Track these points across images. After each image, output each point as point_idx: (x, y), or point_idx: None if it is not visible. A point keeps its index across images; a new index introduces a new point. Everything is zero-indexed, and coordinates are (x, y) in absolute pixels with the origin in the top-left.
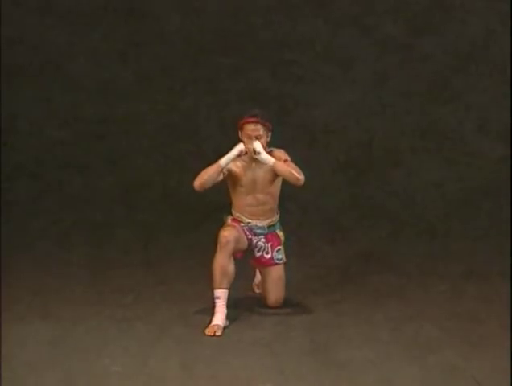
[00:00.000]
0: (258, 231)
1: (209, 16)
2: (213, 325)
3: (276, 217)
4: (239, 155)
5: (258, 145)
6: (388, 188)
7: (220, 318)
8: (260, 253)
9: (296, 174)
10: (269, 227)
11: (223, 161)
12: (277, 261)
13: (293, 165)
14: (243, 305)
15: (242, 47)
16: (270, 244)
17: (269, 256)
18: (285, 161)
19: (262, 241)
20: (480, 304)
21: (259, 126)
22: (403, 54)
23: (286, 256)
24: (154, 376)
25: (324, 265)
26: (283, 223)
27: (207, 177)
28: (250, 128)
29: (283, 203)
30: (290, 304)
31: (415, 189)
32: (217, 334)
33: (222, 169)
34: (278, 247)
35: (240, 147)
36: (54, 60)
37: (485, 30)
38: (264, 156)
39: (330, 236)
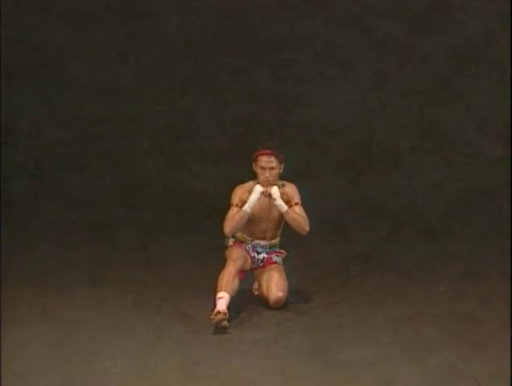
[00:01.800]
0: (261, 249)
1: (209, 16)
2: (218, 310)
3: (278, 238)
4: (270, 195)
5: (274, 192)
6: (388, 188)
7: (222, 305)
8: (262, 263)
9: (303, 224)
10: (270, 247)
11: (247, 207)
12: (275, 261)
13: (301, 212)
14: (243, 306)
15: (242, 47)
16: (270, 255)
17: (269, 260)
18: (295, 204)
19: (263, 255)
20: (480, 304)
21: (273, 158)
22: (403, 54)
23: (287, 257)
24: (154, 377)
25: (323, 266)
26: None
27: (236, 224)
28: (264, 160)
29: None
30: (290, 305)
31: (415, 189)
32: (224, 324)
33: (249, 214)
34: (278, 254)
35: (259, 190)
36: (54, 60)
37: (484, 30)
38: (279, 202)
39: (330, 236)
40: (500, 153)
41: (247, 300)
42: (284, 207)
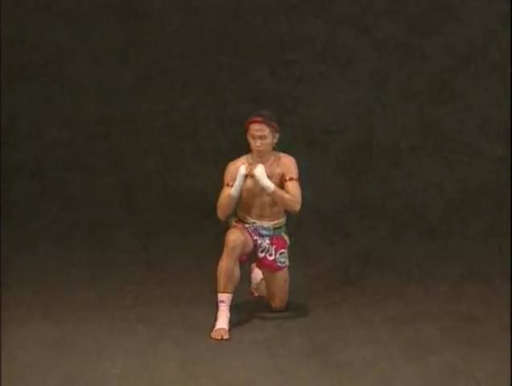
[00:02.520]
0: (264, 232)
1: (209, 16)
2: (219, 329)
3: (283, 220)
4: (246, 176)
5: (258, 173)
6: (388, 188)
7: (224, 321)
8: (263, 254)
9: (292, 205)
10: (275, 229)
11: (234, 191)
12: (279, 264)
13: (294, 188)
14: (243, 306)
15: (242, 47)
16: (274, 247)
17: (272, 258)
18: (290, 179)
19: (266, 242)
20: (480, 304)
21: (264, 126)
22: (403, 54)
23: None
24: (154, 378)
25: (323, 266)
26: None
27: (227, 209)
28: (255, 128)
29: None
30: (290, 305)
31: (415, 189)
32: (225, 337)
33: (236, 198)
34: (282, 250)
35: (242, 173)
36: (54, 60)
37: (484, 30)
38: (263, 183)
39: (330, 236)
40: (500, 154)
41: (247, 300)
42: (271, 188)
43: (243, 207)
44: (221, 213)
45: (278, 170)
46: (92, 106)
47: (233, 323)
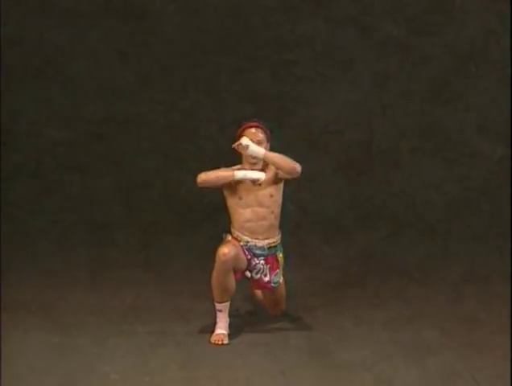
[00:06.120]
0: (258, 252)
1: (209, 16)
2: (219, 333)
3: (277, 238)
4: (254, 181)
5: (244, 140)
6: (388, 189)
7: (223, 326)
8: (258, 276)
9: (291, 162)
10: (269, 248)
11: (239, 175)
12: (273, 285)
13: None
14: (243, 308)
15: (242, 47)
16: (269, 266)
17: (267, 279)
18: None
19: (261, 263)
20: (480, 306)
21: (261, 132)
22: (403, 54)
23: (287, 256)
24: (154, 379)
25: (323, 265)
26: (283, 223)
27: (215, 178)
28: (251, 132)
29: (283, 203)
30: (290, 305)
31: (415, 189)
32: (224, 342)
33: (232, 180)
34: (277, 270)
35: (260, 175)
36: (54, 60)
37: (484, 30)
38: (253, 148)
39: (330, 236)
40: (500, 154)
41: (247, 300)
42: (261, 152)
43: (236, 222)
44: (205, 178)
45: (271, 172)
46: (92, 106)
47: (232, 325)
